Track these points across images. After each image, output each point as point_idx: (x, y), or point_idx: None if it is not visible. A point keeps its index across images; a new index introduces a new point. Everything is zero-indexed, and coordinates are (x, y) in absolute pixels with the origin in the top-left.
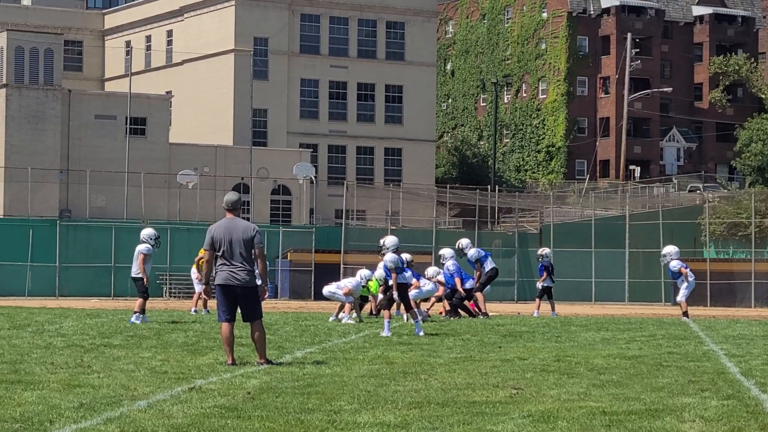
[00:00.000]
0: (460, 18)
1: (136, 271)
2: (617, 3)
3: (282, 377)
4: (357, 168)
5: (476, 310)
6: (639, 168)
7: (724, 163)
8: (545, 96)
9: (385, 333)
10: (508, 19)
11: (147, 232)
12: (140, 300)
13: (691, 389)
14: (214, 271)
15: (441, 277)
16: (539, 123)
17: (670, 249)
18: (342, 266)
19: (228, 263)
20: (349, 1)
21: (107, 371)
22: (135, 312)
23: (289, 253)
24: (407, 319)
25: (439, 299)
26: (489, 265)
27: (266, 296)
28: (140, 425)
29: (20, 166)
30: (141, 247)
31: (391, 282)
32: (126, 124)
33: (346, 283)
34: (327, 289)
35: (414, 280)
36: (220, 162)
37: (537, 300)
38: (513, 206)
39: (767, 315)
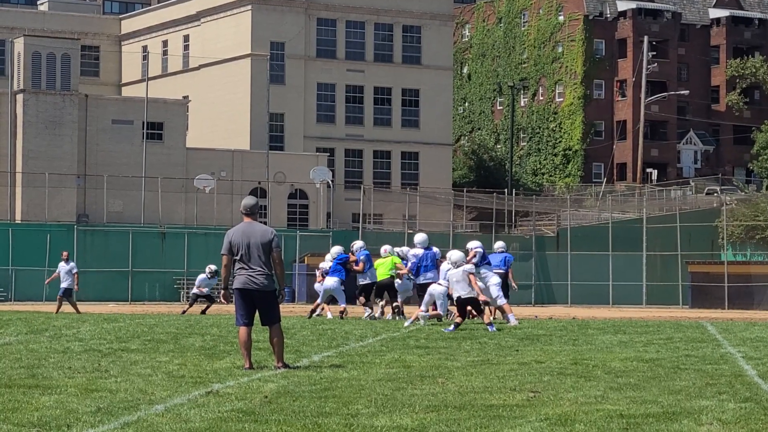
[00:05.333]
0: (477, 21)
1: None
2: (634, 6)
3: (299, 381)
4: (374, 172)
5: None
6: (656, 171)
7: (742, 166)
8: (562, 99)
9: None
10: (524, 22)
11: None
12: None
13: (709, 392)
14: (232, 276)
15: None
16: (556, 126)
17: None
18: None
19: (246, 267)
20: (366, 5)
21: (125, 375)
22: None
23: (306, 257)
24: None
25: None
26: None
27: (283, 300)
28: (157, 429)
29: (38, 172)
30: None
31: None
32: (143, 129)
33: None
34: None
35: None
36: (237, 166)
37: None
38: (530, 210)
39: None
